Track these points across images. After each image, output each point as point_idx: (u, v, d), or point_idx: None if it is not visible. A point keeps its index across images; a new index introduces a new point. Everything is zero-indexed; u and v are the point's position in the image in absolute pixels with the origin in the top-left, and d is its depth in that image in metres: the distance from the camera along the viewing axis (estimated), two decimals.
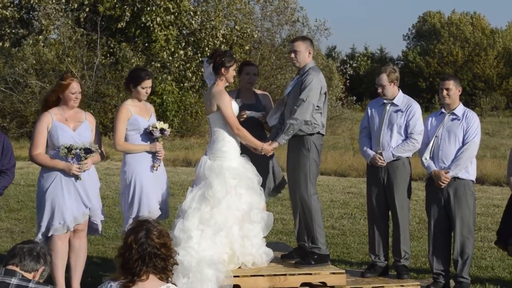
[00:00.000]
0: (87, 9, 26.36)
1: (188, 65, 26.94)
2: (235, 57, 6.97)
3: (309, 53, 7.03)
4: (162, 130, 7.00)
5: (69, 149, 6.59)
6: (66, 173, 6.65)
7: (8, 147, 6.73)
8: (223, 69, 6.75)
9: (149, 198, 6.93)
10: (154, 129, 6.97)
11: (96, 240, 9.58)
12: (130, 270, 3.78)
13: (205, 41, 27.13)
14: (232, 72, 6.80)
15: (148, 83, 7.02)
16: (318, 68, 7.18)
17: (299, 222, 7.09)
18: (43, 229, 6.67)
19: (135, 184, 6.90)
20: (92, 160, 6.77)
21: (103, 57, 26.43)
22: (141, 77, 7.04)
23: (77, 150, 6.61)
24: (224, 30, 27.84)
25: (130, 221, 6.77)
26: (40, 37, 26.07)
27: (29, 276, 4.22)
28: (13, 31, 26.80)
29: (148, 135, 7.01)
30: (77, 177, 6.68)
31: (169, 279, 3.86)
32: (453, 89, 7.30)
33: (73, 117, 6.81)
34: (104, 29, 26.80)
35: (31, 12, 27.59)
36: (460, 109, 7.34)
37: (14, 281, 4.14)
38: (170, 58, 26.56)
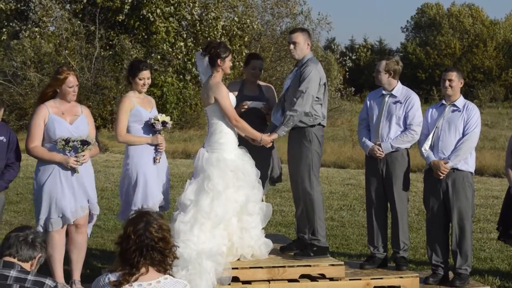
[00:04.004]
0: (85, 0, 26.31)
1: (188, 56, 26.91)
2: (230, 48, 6.95)
3: (308, 44, 7.02)
4: (164, 123, 6.99)
5: (67, 141, 6.54)
6: (63, 166, 6.61)
7: (14, 142, 6.72)
8: (219, 61, 6.73)
9: (152, 191, 6.93)
10: (156, 121, 6.96)
11: (95, 233, 9.58)
12: (127, 261, 3.78)
13: (206, 32, 27.10)
14: (228, 63, 6.78)
15: (145, 74, 7.01)
16: (317, 59, 7.17)
17: (300, 213, 7.08)
18: (41, 222, 6.62)
19: (138, 177, 6.90)
20: (89, 153, 6.73)
21: (101, 49, 26.39)
22: (138, 68, 7.04)
23: (75, 143, 6.57)
24: (224, 22, 27.80)
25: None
26: (37, 29, 26.02)
27: (26, 265, 4.21)
28: (11, 23, 26.75)
29: (149, 127, 7.00)
30: (74, 170, 6.65)
31: (168, 272, 3.85)
32: (456, 80, 7.30)
33: (69, 111, 6.75)
34: (103, 21, 26.76)
35: (28, 4, 27.52)
36: (460, 101, 7.34)
37: (13, 273, 4.14)
38: (170, 49, 26.53)
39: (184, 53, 26.86)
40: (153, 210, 4.02)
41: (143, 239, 3.77)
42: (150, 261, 3.79)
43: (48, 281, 4.16)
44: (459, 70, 7.54)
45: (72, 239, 6.81)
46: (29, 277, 4.14)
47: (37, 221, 6.71)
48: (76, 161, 6.60)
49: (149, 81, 7.10)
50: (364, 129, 7.48)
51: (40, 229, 6.61)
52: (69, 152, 6.58)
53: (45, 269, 6.76)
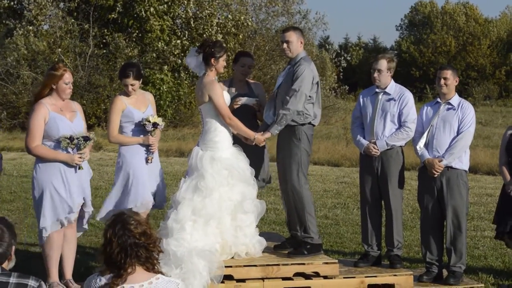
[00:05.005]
0: None
1: (184, 54, 26.90)
2: (225, 47, 6.92)
3: (301, 43, 7.02)
4: (155, 124, 6.96)
5: (71, 139, 6.47)
6: (66, 164, 6.50)
7: None
8: (212, 59, 6.71)
9: (143, 189, 6.90)
10: (146, 122, 6.93)
11: (89, 231, 9.54)
12: (114, 264, 3.75)
13: (200, 30, 27.06)
14: (222, 62, 6.77)
15: (127, 81, 6.92)
16: (310, 58, 7.16)
17: (290, 211, 7.08)
18: (47, 225, 6.47)
19: (129, 176, 6.88)
20: (89, 148, 6.69)
21: (95, 48, 26.35)
22: (121, 73, 7.01)
23: (77, 140, 6.51)
24: (219, 19, 27.79)
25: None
26: (31, 27, 25.98)
27: (4, 265, 4.03)
28: (4, 21, 26.70)
29: (142, 127, 6.98)
30: (78, 167, 6.57)
31: (156, 267, 3.83)
32: (451, 78, 7.30)
33: (66, 107, 6.66)
34: (97, 19, 26.72)
35: (22, 2, 27.47)
36: (455, 99, 7.34)
37: None
38: (165, 47, 26.49)
39: (180, 50, 26.82)
40: (126, 210, 4.00)
41: (125, 238, 3.75)
42: (136, 259, 3.76)
43: (31, 282, 3.98)
44: (454, 68, 7.54)
45: (63, 234, 6.74)
46: (11, 279, 3.96)
47: (41, 222, 6.49)
48: (80, 157, 6.54)
49: (135, 86, 6.96)
50: (358, 127, 7.48)
51: (45, 232, 6.48)
52: (72, 150, 6.53)
53: (41, 268, 6.76)
